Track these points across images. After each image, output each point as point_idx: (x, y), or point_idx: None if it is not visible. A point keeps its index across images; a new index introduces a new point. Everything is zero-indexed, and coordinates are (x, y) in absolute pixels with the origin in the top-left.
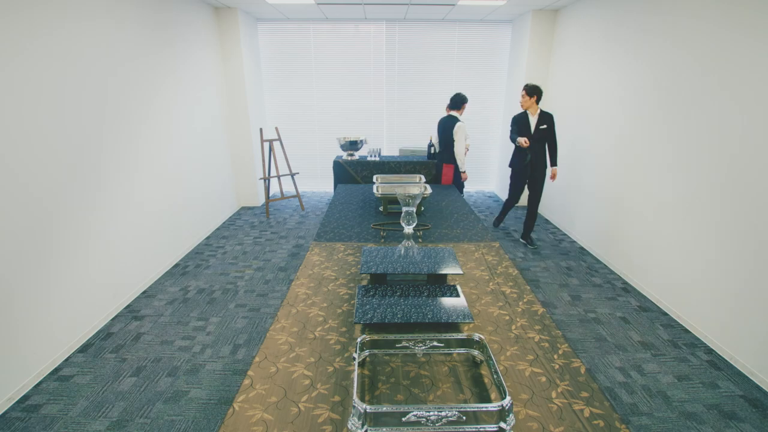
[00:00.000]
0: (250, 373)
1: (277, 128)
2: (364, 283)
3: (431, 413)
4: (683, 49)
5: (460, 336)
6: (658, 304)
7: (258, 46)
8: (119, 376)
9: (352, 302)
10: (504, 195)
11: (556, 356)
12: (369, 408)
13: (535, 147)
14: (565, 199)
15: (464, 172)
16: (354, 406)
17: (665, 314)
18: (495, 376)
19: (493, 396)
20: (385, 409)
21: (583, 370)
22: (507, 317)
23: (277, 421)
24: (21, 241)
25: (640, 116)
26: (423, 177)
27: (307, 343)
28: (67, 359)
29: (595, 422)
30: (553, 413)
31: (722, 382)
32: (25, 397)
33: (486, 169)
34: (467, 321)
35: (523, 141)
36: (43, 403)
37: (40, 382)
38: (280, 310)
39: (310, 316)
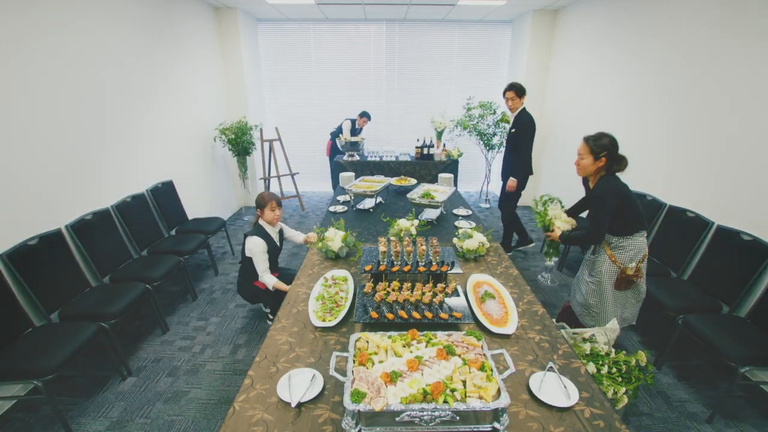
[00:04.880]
0: (250, 373)
1: (277, 128)
2: (364, 282)
3: (425, 413)
4: (683, 49)
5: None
6: None
7: (258, 46)
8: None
9: (352, 302)
10: None
11: (556, 356)
12: (362, 407)
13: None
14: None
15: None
16: (346, 406)
17: None
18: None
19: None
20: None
21: (583, 371)
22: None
23: (278, 421)
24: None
25: (640, 116)
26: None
27: (308, 343)
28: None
29: (596, 422)
30: (553, 413)
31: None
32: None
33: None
34: (467, 321)
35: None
36: (43, 403)
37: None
38: (280, 310)
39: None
